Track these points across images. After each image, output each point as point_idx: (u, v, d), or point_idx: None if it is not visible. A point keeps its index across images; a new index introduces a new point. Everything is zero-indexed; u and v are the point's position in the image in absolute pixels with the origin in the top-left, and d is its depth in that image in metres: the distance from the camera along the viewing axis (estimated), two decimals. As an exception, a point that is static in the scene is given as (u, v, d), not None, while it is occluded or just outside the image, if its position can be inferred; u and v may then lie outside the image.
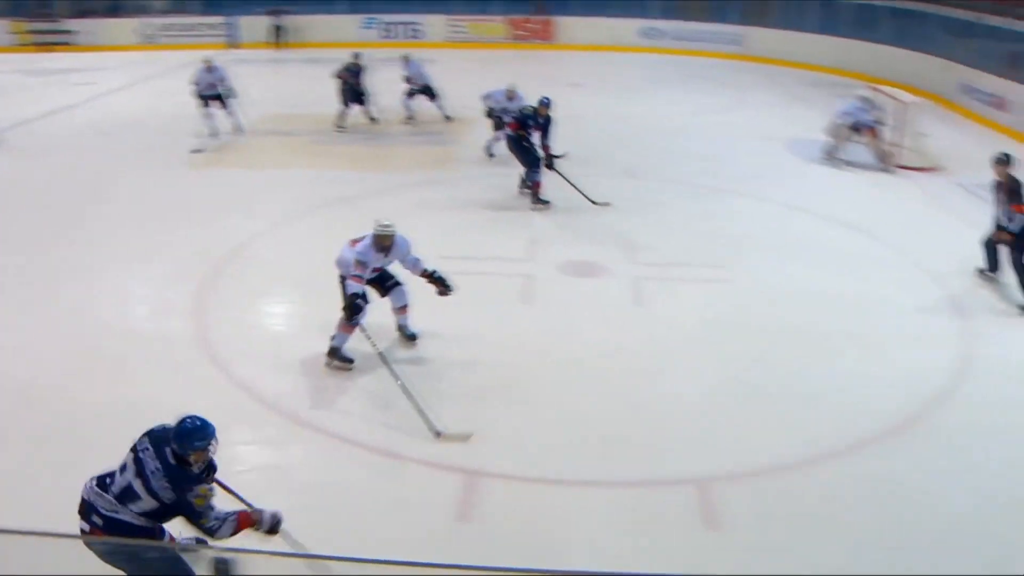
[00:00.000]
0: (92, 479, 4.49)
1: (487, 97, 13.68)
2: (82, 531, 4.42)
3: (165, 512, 4.41)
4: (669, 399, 7.13)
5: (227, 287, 9.15)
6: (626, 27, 25.61)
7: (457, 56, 22.90)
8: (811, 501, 6.01)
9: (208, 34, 25.47)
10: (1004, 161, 9.27)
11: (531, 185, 11.71)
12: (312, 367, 7.50)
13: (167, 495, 4.32)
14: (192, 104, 14.83)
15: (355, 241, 7.34)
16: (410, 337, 7.85)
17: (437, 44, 25.06)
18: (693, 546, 5.49)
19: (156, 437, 4.44)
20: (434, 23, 25.99)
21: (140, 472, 4.34)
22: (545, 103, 11.57)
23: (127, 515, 4.35)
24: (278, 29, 25.64)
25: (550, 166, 11.64)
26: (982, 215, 12.09)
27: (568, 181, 11.75)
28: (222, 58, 17.00)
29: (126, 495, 4.36)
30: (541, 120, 11.53)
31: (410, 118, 16.33)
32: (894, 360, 7.94)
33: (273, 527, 4.61)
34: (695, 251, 10.37)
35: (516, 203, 11.84)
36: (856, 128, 14.25)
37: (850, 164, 14.34)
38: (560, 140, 14.99)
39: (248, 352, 7.79)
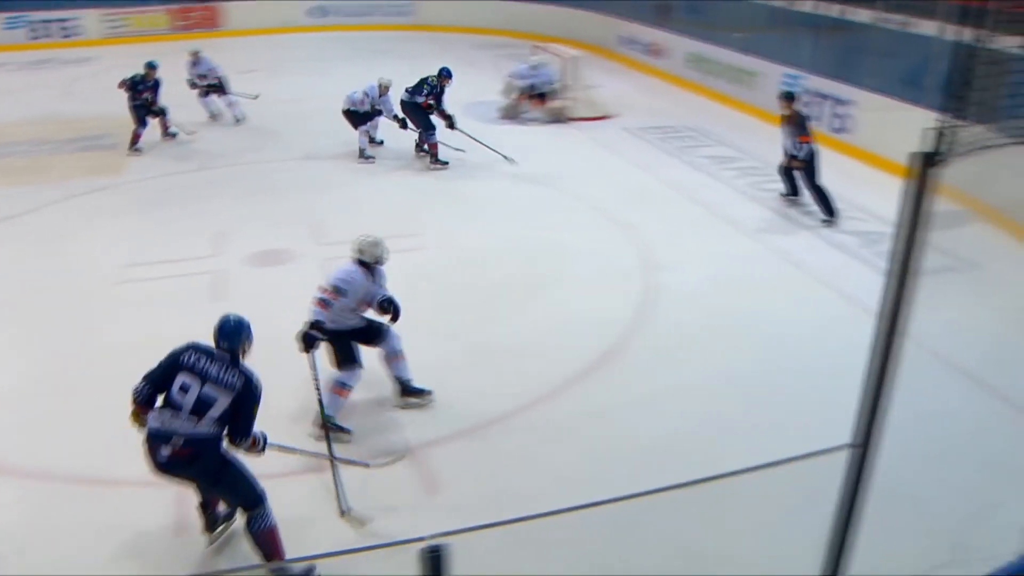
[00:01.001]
0: (158, 412, 4.69)
1: (359, 94, 12.50)
2: (160, 461, 4.65)
3: (232, 411, 4.67)
4: (379, 372, 7.05)
5: None
6: (293, 8, 24.97)
7: (120, 53, 21.18)
8: (522, 448, 6.19)
9: None
10: (790, 97, 10.24)
11: (429, 147, 12.49)
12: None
13: (239, 382, 4.68)
14: None
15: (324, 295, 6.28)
16: (413, 392, 6.71)
17: (95, 41, 23.20)
18: (414, 511, 5.50)
19: (201, 349, 4.82)
20: (89, 19, 23.88)
21: (207, 378, 4.69)
22: (446, 74, 12.45)
23: (204, 427, 4.64)
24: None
25: (452, 127, 12.49)
26: (646, 155, 12.99)
27: (475, 140, 12.59)
28: None
29: (201, 405, 4.64)
30: (438, 89, 12.42)
31: (214, 116, 15.02)
32: (586, 300, 8.38)
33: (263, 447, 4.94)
34: (386, 223, 10.23)
35: (196, 198, 11.24)
36: (528, 92, 14.81)
37: (528, 120, 14.88)
38: (241, 130, 14.53)
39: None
